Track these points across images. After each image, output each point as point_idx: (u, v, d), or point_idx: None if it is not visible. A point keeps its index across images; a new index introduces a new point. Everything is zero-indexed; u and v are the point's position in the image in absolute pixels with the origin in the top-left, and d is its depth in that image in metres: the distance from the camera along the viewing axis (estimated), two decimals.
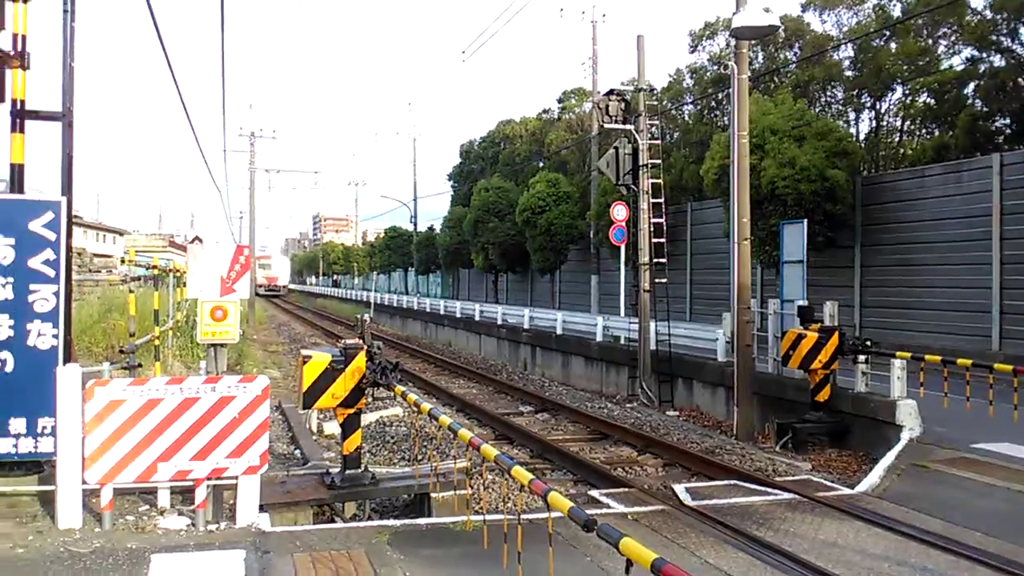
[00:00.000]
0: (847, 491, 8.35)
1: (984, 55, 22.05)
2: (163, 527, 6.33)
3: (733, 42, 12.57)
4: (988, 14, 21.46)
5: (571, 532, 6.21)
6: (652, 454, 11.22)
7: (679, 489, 8.37)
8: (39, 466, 6.89)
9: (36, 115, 6.98)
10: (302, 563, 5.71)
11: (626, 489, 8.79)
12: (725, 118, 27.85)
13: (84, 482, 6.10)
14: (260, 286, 67.80)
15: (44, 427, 6.48)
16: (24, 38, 6.76)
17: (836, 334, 10.83)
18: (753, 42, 19.24)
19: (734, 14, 11.31)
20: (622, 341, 17.93)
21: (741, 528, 6.87)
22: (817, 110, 25.26)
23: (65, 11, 7.04)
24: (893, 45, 24.38)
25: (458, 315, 30.63)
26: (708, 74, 29.81)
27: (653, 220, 15.91)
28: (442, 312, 32.86)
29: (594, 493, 8.54)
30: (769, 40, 26.12)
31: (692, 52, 30.73)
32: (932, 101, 24.13)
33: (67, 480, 6.13)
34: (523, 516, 4.96)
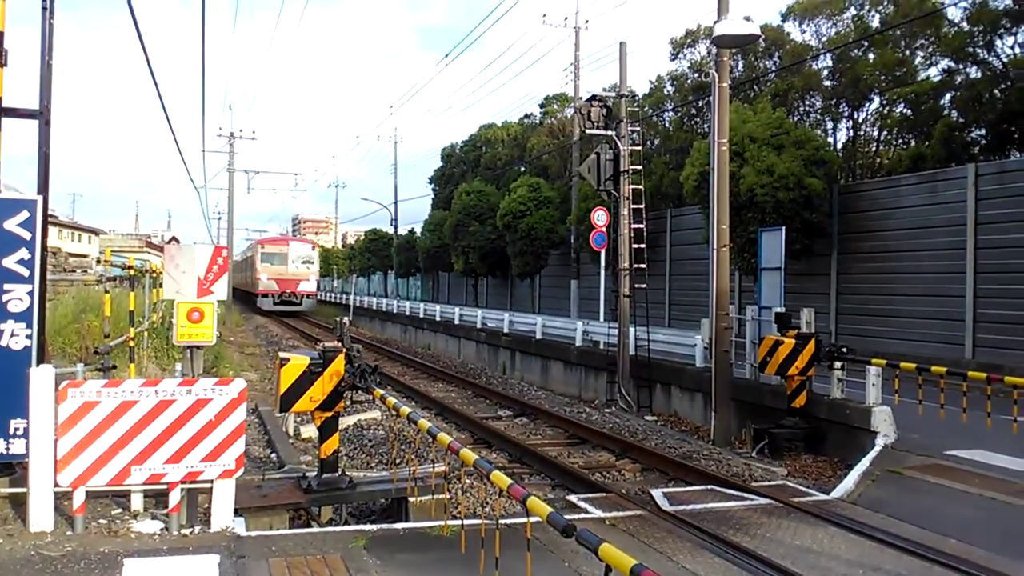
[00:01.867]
0: (822, 497, 8.41)
1: (961, 67, 22.36)
2: (136, 531, 6.26)
3: (714, 50, 12.65)
4: (965, 26, 21.76)
5: (549, 537, 6.21)
6: (630, 459, 11.25)
7: (656, 494, 8.39)
8: (10, 468, 6.77)
9: (13, 112, 6.88)
10: (277, 568, 5.66)
11: (604, 494, 8.80)
12: (705, 125, 28.06)
13: (56, 484, 6.02)
14: (265, 293, 45.44)
15: (16, 428, 6.37)
16: (1, 35, 6.67)
17: (813, 341, 10.92)
18: (734, 51, 19.39)
19: (715, 23, 11.39)
20: (601, 346, 17.96)
21: (718, 533, 6.89)
22: (796, 119, 25.50)
23: (44, 8, 6.97)
24: (871, 56, 24.66)
25: (438, 319, 30.56)
26: (689, 81, 30.02)
27: (633, 226, 15.97)
28: (421, 315, 32.76)
29: (572, 498, 8.54)
30: (749, 49, 26.36)
31: (673, 60, 30.95)
32: (909, 111, 24.43)
33: (39, 482, 6.05)
34: (501, 521, 4.95)
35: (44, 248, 6.67)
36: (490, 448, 12.23)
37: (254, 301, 48.39)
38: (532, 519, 4.01)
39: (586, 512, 7.75)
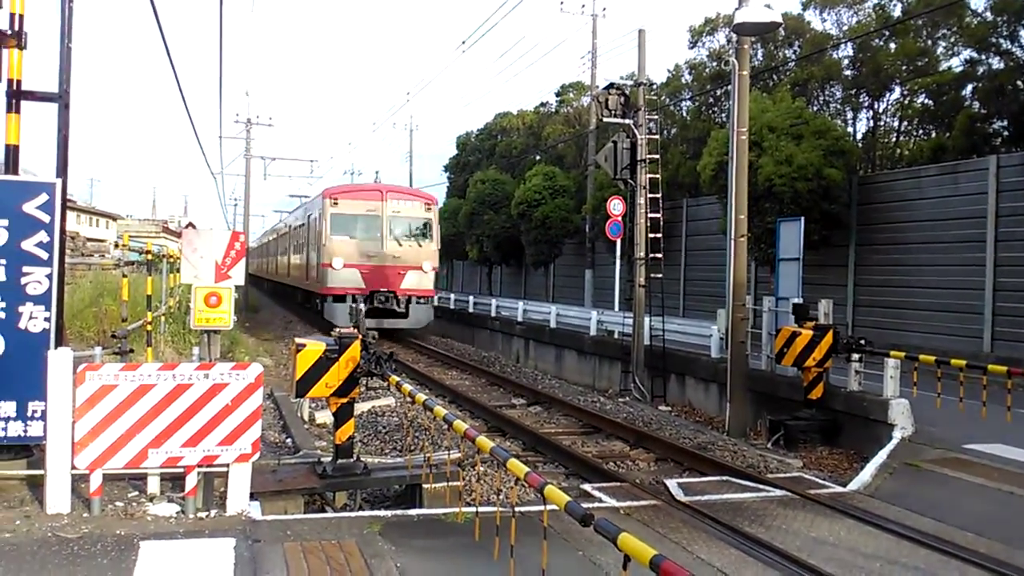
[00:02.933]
0: (839, 489, 8.35)
1: (983, 57, 22.02)
2: (152, 514, 6.29)
3: (733, 38, 12.54)
4: (988, 16, 21.44)
5: (563, 526, 6.19)
6: (644, 449, 11.22)
7: (671, 484, 8.37)
8: (28, 450, 6.84)
9: (32, 96, 6.89)
10: (292, 553, 5.67)
11: (618, 483, 8.78)
12: (723, 115, 27.82)
13: (73, 467, 6.06)
14: (339, 294, 22.98)
15: (34, 411, 6.41)
16: (22, 17, 6.68)
17: (830, 332, 10.83)
18: (753, 39, 19.20)
19: (736, 10, 11.27)
20: (616, 335, 17.92)
21: (733, 524, 6.86)
22: (815, 108, 25.24)
23: None
24: (892, 45, 24.36)
25: (451, 306, 30.55)
26: (707, 70, 29.74)
27: (650, 215, 15.88)
28: (435, 303, 32.77)
29: (586, 487, 8.52)
30: (769, 38, 26.09)
31: (691, 48, 30.65)
32: (930, 102, 24.12)
33: (56, 465, 6.08)
34: (517, 509, 4.93)
35: (63, 231, 6.69)
36: (504, 436, 12.23)
37: (307, 303, 28.09)
38: (549, 507, 3.99)
39: (600, 501, 7.73)
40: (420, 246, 23.96)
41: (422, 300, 23.77)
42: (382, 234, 23.56)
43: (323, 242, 23.40)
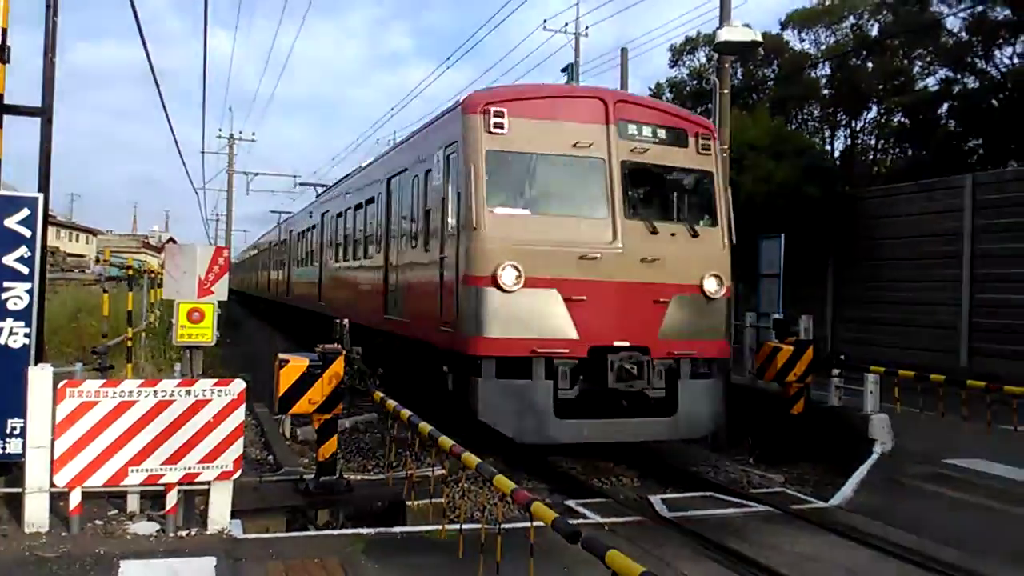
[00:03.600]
0: (821, 504, 8.39)
1: (959, 76, 22.44)
2: (132, 532, 6.22)
3: (714, 58, 12.68)
4: (964, 36, 21.84)
5: (548, 542, 6.16)
6: (627, 464, 11.20)
7: (655, 500, 8.37)
8: (7, 467, 6.73)
9: (15, 110, 6.85)
10: (275, 571, 5.63)
11: (602, 499, 8.77)
12: None
13: (53, 485, 5.98)
14: (550, 350, 8.91)
15: (13, 428, 6.32)
16: (4, 31, 6.65)
17: (811, 348, 10.91)
18: (734, 58, 19.43)
19: (717, 29, 11.42)
20: None
21: (718, 540, 6.86)
22: (794, 127, 25.55)
23: (48, 6, 6.93)
24: (870, 65, 24.74)
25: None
26: (687, 88, 30.05)
27: None
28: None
29: (570, 503, 8.50)
30: (748, 57, 26.42)
31: (672, 67, 31.01)
32: (907, 120, 24.50)
33: (35, 482, 6.01)
34: (502, 526, 4.92)
35: (44, 246, 6.64)
36: (484, 451, 12.16)
37: (407, 367, 11.78)
38: (536, 524, 3.99)
39: (584, 518, 7.71)
40: (694, 236, 10.29)
41: (705, 369, 10.18)
42: (610, 205, 9.66)
43: (470, 222, 9.29)
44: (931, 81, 23.98)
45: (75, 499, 6.04)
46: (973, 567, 6.30)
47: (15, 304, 6.37)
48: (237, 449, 6.34)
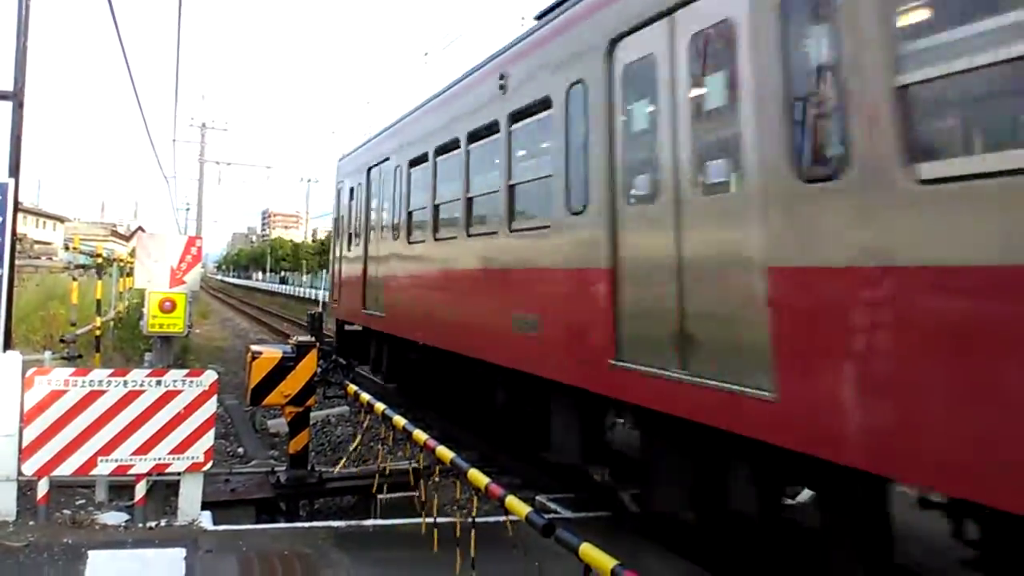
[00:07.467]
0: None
1: None
2: (101, 522, 6.16)
3: None
4: None
5: (520, 536, 6.21)
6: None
7: (624, 496, 8.43)
8: None
9: None
10: (245, 563, 5.61)
11: (572, 494, 8.82)
12: None
13: (20, 473, 5.92)
14: None
15: None
16: None
17: None
18: None
19: None
20: None
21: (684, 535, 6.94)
22: None
23: None
24: None
25: None
26: None
27: None
28: None
29: (540, 498, 8.54)
30: None
31: None
32: None
33: (2, 471, 5.95)
34: (477, 519, 4.95)
35: (14, 233, 6.56)
36: (458, 445, 12.18)
37: None
38: (511, 518, 4.03)
39: (555, 512, 7.77)
40: None
41: None
42: None
43: None
44: None
45: (43, 488, 5.98)
46: None
47: None
48: (208, 440, 6.31)
